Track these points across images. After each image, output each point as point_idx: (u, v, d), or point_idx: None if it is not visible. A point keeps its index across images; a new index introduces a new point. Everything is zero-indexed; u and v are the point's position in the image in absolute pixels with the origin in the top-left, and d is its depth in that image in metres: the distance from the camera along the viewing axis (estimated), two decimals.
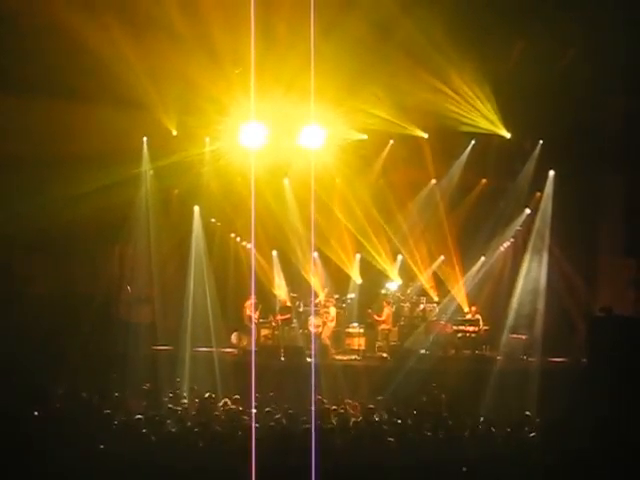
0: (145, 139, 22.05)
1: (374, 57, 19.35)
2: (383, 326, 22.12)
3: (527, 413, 15.39)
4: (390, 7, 18.08)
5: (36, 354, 18.52)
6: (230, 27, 17.94)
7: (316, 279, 22.93)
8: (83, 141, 19.72)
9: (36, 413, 13.92)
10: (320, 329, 21.86)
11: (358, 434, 13.21)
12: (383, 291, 23.26)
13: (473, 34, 18.60)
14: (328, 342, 21.80)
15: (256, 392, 15.20)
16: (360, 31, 18.36)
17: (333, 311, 22.22)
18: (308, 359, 20.25)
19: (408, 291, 23.31)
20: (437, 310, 22.75)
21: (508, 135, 21.22)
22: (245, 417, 14.24)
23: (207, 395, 16.58)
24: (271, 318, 22.33)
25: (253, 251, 21.74)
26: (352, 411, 15.57)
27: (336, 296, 22.98)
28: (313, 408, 14.02)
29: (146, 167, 22.34)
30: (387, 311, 22.18)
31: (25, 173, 19.81)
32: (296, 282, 23.28)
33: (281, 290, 23.29)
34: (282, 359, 20.98)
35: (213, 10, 18.11)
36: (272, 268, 23.54)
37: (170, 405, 15.46)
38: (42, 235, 20.58)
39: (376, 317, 22.20)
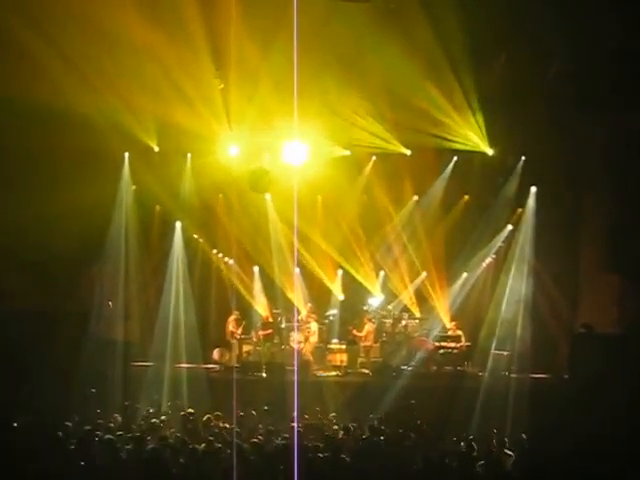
0: (127, 155, 22.01)
1: (357, 73, 19.39)
2: (364, 342, 22.07)
3: (509, 429, 15.41)
4: (373, 23, 18.09)
5: (13, 368, 18.35)
6: (211, 39, 17.97)
7: (298, 295, 22.86)
8: (64, 156, 19.63)
9: (15, 424, 13.84)
10: (302, 345, 21.80)
11: (339, 450, 13.12)
12: (365, 307, 23.18)
13: (456, 51, 18.65)
14: (310, 358, 21.73)
15: (237, 408, 15.12)
16: (343, 46, 18.39)
17: (315, 327, 22.14)
18: (290, 375, 20.16)
19: (390, 307, 23.25)
20: (419, 326, 22.71)
21: (490, 152, 21.29)
22: (226, 434, 14.15)
23: (188, 411, 16.47)
24: (253, 334, 22.23)
25: (233, 266, 21.73)
26: (334, 427, 15.51)
27: (318, 312, 22.90)
28: (295, 424, 13.97)
29: (127, 183, 22.28)
30: (368, 328, 22.12)
31: (5, 190, 19.69)
32: (278, 298, 23.17)
33: (263, 306, 23.19)
34: (264, 375, 20.91)
35: (195, 24, 18.08)
36: (253, 284, 23.44)
37: (150, 421, 15.33)
38: (23, 251, 20.42)
39: (356, 333, 22.16)
